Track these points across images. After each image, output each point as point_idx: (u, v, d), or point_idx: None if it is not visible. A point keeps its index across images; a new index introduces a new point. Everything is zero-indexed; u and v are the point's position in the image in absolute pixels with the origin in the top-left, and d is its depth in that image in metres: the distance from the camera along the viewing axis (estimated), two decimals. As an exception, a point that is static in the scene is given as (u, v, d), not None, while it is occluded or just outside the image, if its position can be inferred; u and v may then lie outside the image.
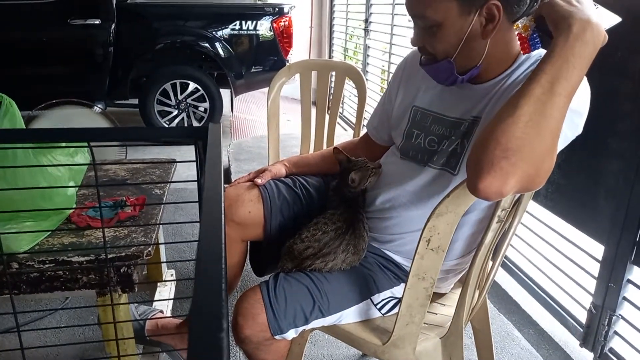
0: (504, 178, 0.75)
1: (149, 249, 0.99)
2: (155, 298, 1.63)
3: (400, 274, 1.12)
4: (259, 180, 1.21)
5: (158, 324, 1.37)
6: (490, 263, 1.11)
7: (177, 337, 1.33)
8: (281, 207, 1.20)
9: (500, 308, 1.83)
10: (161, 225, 1.61)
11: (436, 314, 1.16)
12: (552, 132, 0.77)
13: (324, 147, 2.07)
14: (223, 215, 0.45)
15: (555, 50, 0.77)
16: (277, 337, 1.00)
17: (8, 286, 0.92)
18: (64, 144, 0.99)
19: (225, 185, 1.19)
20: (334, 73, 2.06)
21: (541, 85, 0.76)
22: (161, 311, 1.44)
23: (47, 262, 0.94)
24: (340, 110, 2.30)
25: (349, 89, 4.25)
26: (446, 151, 1.03)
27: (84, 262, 0.95)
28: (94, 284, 0.96)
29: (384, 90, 1.92)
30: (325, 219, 1.08)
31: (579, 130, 0.89)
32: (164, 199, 1.26)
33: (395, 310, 1.10)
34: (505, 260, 2.00)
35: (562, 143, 0.87)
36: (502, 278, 1.97)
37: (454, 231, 0.92)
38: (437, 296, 1.21)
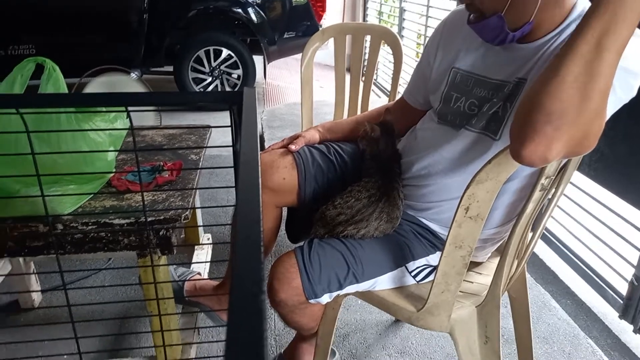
0: (548, 143, 0.72)
1: (187, 212, 1.01)
2: (193, 260, 1.67)
3: (436, 242, 1.10)
4: (292, 147, 1.21)
5: (196, 286, 1.41)
6: (531, 233, 1.08)
7: (214, 299, 1.37)
8: (315, 174, 1.20)
9: (538, 278, 1.80)
10: (197, 191, 1.64)
11: (472, 282, 1.14)
12: (601, 92, 0.72)
13: (358, 113, 2.04)
14: (260, 179, 0.44)
15: (601, 1, 0.71)
16: (311, 301, 1.02)
17: (54, 246, 0.96)
18: (104, 109, 1.01)
19: (259, 152, 1.19)
20: (368, 38, 2.01)
21: (586, 42, 0.71)
22: (199, 273, 1.48)
23: (90, 224, 0.97)
24: (374, 77, 2.25)
25: (384, 55, 4.14)
26: (486, 114, 0.99)
27: (125, 225, 0.97)
28: (135, 246, 0.99)
29: (420, 55, 1.86)
30: (359, 186, 1.07)
31: (633, 92, 0.83)
32: (200, 164, 1.27)
33: (430, 278, 1.09)
34: (544, 230, 1.96)
35: (615, 106, 0.82)
36: (540, 248, 1.93)
37: (494, 199, 0.89)
38: (473, 265, 1.19)
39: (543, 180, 0.91)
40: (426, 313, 1.01)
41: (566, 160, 0.95)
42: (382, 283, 1.06)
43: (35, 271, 1.63)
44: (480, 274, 1.17)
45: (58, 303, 1.66)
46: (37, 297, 1.66)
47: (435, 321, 1.02)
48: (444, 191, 1.06)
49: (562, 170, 0.96)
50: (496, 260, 1.03)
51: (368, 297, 1.09)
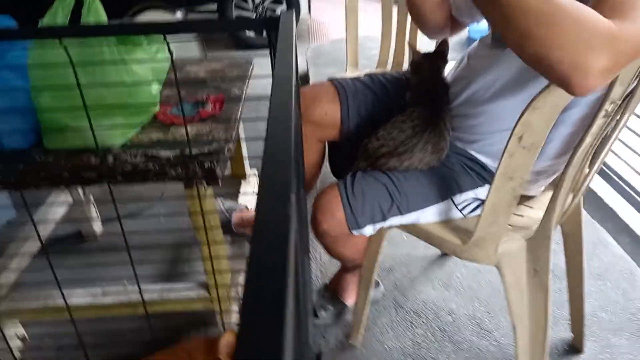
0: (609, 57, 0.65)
1: (230, 144, 1.01)
2: (240, 193, 1.71)
3: (485, 175, 1.06)
4: None
5: (243, 218, 1.44)
6: (589, 163, 1.01)
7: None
8: (359, 107, 1.16)
9: (595, 215, 1.73)
10: (242, 126, 1.65)
11: (522, 216, 1.10)
12: None
13: (406, 48, 1.94)
14: (294, 96, 0.42)
15: None
16: (354, 232, 1.01)
17: (106, 177, 0.99)
18: (144, 41, 1.00)
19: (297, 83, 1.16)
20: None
21: None
22: (246, 207, 1.51)
23: (138, 156, 0.99)
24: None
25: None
26: None
27: (171, 157, 0.99)
28: (182, 177, 1.01)
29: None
30: (404, 117, 1.02)
31: None
32: (242, 98, 1.26)
33: (478, 212, 1.06)
34: (603, 165, 1.85)
35: None
36: (598, 185, 1.83)
37: (550, 128, 0.83)
38: (524, 198, 1.14)
39: (607, 106, 0.84)
40: (472, 246, 0.99)
41: (634, 85, 0.87)
42: (427, 216, 1.04)
43: (94, 203, 1.72)
44: (532, 207, 1.13)
45: (117, 234, 1.76)
46: (98, 228, 1.76)
47: (482, 254, 1.00)
48: (495, 120, 1.00)
49: (629, 97, 0.88)
50: (549, 193, 0.98)
51: (412, 229, 1.07)
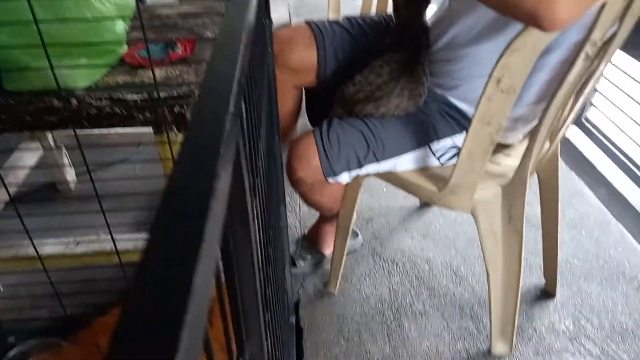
0: None
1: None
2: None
3: (463, 123, 1.04)
4: None
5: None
6: (567, 109, 1.00)
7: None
8: (336, 51, 1.12)
9: (573, 167, 1.73)
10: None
11: (499, 164, 1.10)
12: None
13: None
14: (252, 28, 0.39)
15: None
16: (330, 180, 1.00)
17: (70, 121, 0.95)
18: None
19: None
20: None
21: None
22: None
23: (104, 99, 0.95)
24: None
25: None
26: None
27: (139, 101, 0.95)
28: (150, 122, 0.97)
29: None
30: (382, 61, 0.99)
31: None
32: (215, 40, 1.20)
33: (455, 160, 1.05)
34: (582, 118, 1.85)
35: None
36: (576, 136, 1.84)
37: (529, 70, 0.81)
38: (501, 147, 1.13)
39: (588, 49, 0.81)
40: (448, 193, 0.98)
41: (614, 30, 0.84)
42: (404, 163, 1.03)
43: (67, 155, 1.67)
44: (509, 155, 1.12)
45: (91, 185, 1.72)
46: (71, 178, 1.72)
47: (458, 201, 1.00)
48: (475, 65, 0.97)
49: (608, 42, 0.86)
50: (526, 143, 0.97)
51: (389, 177, 1.06)
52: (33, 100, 0.95)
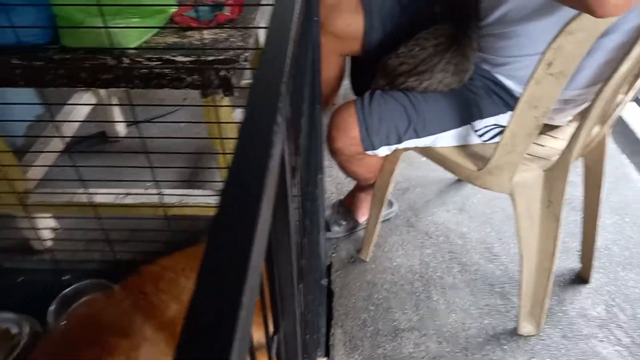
0: None
1: (246, 54, 0.98)
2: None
3: (510, 101, 1.01)
4: None
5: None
6: (621, 96, 0.95)
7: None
8: (384, 20, 1.09)
9: (624, 148, 1.66)
10: (263, 32, 1.59)
11: (544, 146, 1.07)
12: None
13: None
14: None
15: None
16: (368, 152, 1.01)
17: (122, 80, 0.99)
18: None
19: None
20: None
21: None
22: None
23: (154, 59, 0.98)
24: None
25: None
26: None
27: (187, 63, 0.97)
28: (197, 85, 0.99)
29: None
30: (428, 33, 0.96)
31: None
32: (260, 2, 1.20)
33: (497, 139, 1.03)
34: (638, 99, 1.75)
35: None
36: (633, 117, 1.74)
37: (584, 55, 0.77)
38: (548, 128, 1.10)
39: (651, 33, 0.77)
40: (487, 173, 0.97)
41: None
42: (444, 140, 1.02)
43: (117, 104, 1.74)
44: (555, 137, 1.09)
45: (140, 136, 1.79)
46: (121, 130, 1.80)
47: (496, 181, 0.99)
48: (528, 43, 0.93)
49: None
50: (575, 125, 0.94)
51: (428, 152, 1.06)
52: (88, 57, 0.99)
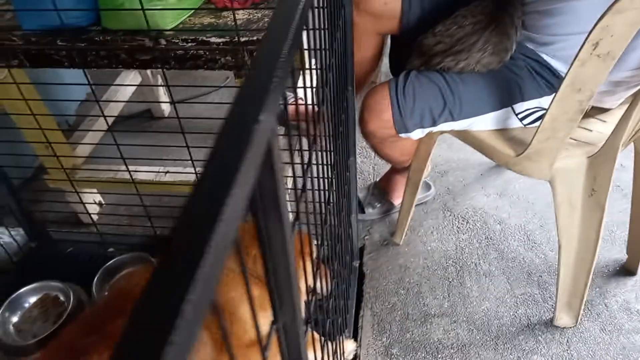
0: None
1: (280, 34, 0.98)
2: (299, 85, 1.69)
3: (555, 83, 0.96)
4: None
5: (298, 110, 1.44)
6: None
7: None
8: (422, -2, 1.05)
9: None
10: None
11: (591, 130, 1.01)
12: None
13: None
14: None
15: None
16: (401, 135, 0.99)
17: (159, 60, 1.01)
18: None
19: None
20: None
21: None
22: (301, 98, 1.50)
23: (189, 41, 0.99)
24: None
25: None
26: None
27: (221, 44, 0.98)
28: (231, 66, 1.00)
29: None
30: (466, 11, 0.92)
31: None
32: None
33: (540, 123, 0.98)
34: None
35: None
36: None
37: (634, 36, 0.72)
38: (598, 111, 1.04)
39: None
40: (525, 159, 0.93)
41: None
42: (482, 123, 0.98)
43: (161, 83, 1.78)
44: (604, 122, 1.03)
45: (184, 115, 1.84)
46: (166, 108, 1.85)
47: (535, 167, 0.95)
48: (576, 21, 0.88)
49: None
50: (625, 108, 0.88)
51: (464, 136, 1.02)
52: (127, 39, 1.01)
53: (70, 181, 1.26)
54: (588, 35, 0.73)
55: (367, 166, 1.55)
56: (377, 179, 1.43)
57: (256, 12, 1.05)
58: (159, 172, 1.32)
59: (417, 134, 0.99)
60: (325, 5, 0.68)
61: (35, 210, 1.38)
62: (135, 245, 1.33)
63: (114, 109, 1.59)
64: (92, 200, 1.46)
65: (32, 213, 1.37)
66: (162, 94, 1.82)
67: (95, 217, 1.44)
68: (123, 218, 1.42)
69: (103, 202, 1.50)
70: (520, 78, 0.95)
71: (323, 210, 0.74)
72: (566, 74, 0.79)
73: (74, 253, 1.34)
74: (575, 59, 0.77)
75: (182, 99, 1.88)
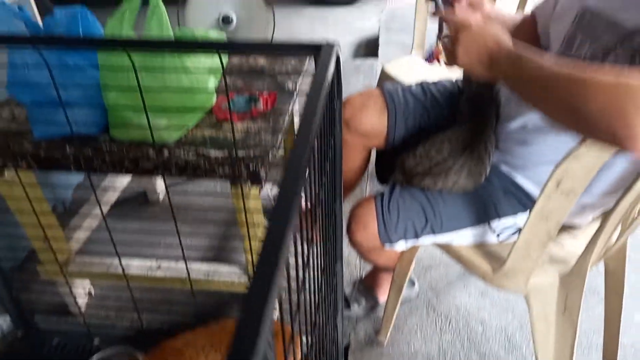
0: None
1: (275, 150, 1.06)
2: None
3: (527, 203, 1.04)
4: None
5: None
6: None
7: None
8: (406, 120, 1.16)
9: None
10: (298, 116, 1.68)
11: (563, 246, 1.08)
12: None
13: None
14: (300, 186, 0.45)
15: None
16: (386, 246, 1.04)
17: (161, 169, 1.08)
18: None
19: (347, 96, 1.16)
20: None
21: None
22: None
23: (191, 153, 1.07)
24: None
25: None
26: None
27: (219, 158, 1.05)
28: (228, 176, 1.07)
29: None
30: (445, 136, 1.01)
31: None
32: (296, 94, 1.29)
33: (515, 237, 1.05)
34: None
35: None
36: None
37: (593, 176, 0.80)
38: (569, 227, 1.11)
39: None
40: (502, 275, 0.99)
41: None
42: (462, 238, 1.04)
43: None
44: (575, 237, 1.09)
45: (178, 201, 1.89)
46: (161, 192, 1.90)
47: (512, 284, 1.00)
48: (551, 151, 0.96)
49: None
50: (596, 225, 0.94)
51: (444, 248, 1.09)
52: (132, 149, 1.09)
53: (64, 274, 1.29)
54: (551, 174, 0.81)
55: (354, 259, 1.59)
56: (363, 274, 1.47)
57: (254, 125, 1.14)
58: (151, 266, 1.36)
59: (401, 246, 1.05)
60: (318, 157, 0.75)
61: (24, 297, 1.39)
62: (121, 338, 1.33)
63: (110, 194, 1.65)
64: (81, 289, 1.48)
65: (20, 301, 1.38)
66: (159, 180, 1.89)
67: (83, 307, 1.45)
68: (111, 309, 1.43)
69: (92, 292, 1.51)
70: (496, 197, 1.03)
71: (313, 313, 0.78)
72: (534, 203, 0.87)
73: (61, 344, 1.34)
74: (541, 191, 0.84)
75: (176, 182, 1.94)
